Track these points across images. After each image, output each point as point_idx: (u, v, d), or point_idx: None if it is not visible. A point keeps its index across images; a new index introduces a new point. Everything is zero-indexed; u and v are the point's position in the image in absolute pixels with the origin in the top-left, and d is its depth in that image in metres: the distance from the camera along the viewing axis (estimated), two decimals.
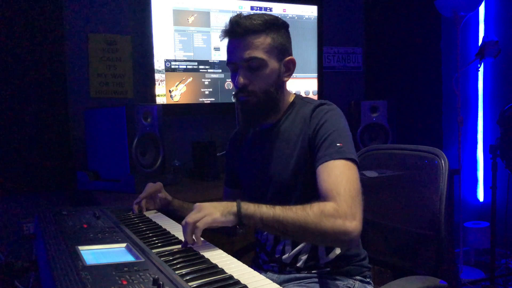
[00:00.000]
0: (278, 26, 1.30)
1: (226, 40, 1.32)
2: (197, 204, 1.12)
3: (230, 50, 1.30)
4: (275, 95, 1.30)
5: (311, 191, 1.26)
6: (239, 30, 1.26)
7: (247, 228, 1.15)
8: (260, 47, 1.26)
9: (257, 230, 1.42)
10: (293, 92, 1.43)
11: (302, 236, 1.14)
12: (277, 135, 1.34)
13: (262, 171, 1.35)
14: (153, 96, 2.44)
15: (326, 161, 1.18)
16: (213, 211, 1.08)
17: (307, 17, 2.86)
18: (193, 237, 1.07)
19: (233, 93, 1.34)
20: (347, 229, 1.08)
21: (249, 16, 1.28)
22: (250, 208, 1.10)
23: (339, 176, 1.14)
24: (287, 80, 1.35)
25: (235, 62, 1.29)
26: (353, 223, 1.08)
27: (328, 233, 1.08)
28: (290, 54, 1.35)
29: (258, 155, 1.38)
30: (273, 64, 1.29)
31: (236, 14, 1.30)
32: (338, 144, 1.20)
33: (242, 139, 1.48)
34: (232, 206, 1.10)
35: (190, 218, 1.07)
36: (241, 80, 1.28)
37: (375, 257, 1.52)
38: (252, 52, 1.26)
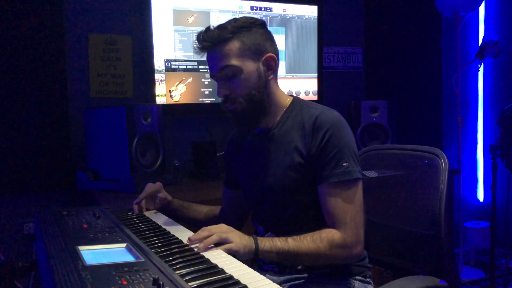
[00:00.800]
0: (248, 26, 1.27)
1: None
2: (228, 226, 1.16)
3: (208, 64, 1.31)
4: (260, 97, 1.28)
5: (309, 197, 1.26)
6: (205, 44, 1.26)
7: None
8: (230, 54, 1.25)
9: (257, 231, 1.42)
10: (293, 92, 1.43)
11: (314, 264, 1.27)
12: (275, 140, 1.33)
13: (260, 177, 1.34)
14: (153, 96, 2.44)
15: (333, 182, 1.21)
16: (238, 244, 1.11)
17: (307, 17, 2.86)
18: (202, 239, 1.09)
19: (220, 104, 1.33)
20: (353, 255, 1.22)
21: (216, 27, 1.27)
22: (266, 245, 1.16)
23: (346, 203, 1.21)
24: (271, 78, 1.31)
25: (214, 74, 1.30)
26: (358, 249, 1.21)
27: (337, 260, 1.22)
28: (270, 51, 1.30)
29: (256, 159, 1.37)
30: (248, 66, 1.26)
31: (203, 29, 1.28)
32: (344, 164, 1.21)
33: (240, 141, 1.48)
34: (251, 244, 1.14)
35: (218, 233, 1.10)
36: (220, 91, 1.28)
37: (375, 257, 1.52)
38: (223, 61, 1.25)
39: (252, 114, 1.29)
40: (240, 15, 1.31)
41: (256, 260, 1.40)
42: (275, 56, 1.30)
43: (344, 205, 1.20)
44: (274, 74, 1.32)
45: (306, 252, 1.17)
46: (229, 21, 1.28)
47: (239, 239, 1.12)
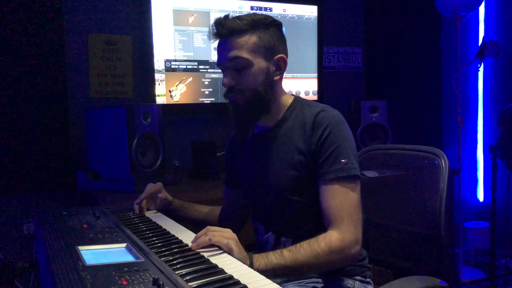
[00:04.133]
0: (266, 24, 1.28)
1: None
2: (232, 234, 1.10)
3: (217, 51, 1.31)
4: (264, 95, 1.29)
5: (310, 196, 1.26)
6: (223, 31, 1.25)
7: None
8: (244, 46, 1.25)
9: (257, 230, 1.42)
10: (293, 92, 1.43)
11: (314, 271, 1.24)
12: (276, 139, 1.33)
13: (261, 176, 1.34)
14: (153, 96, 2.43)
15: (331, 178, 1.20)
16: (236, 251, 1.06)
17: (307, 17, 2.86)
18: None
19: (223, 94, 1.33)
20: (352, 256, 1.19)
21: (235, 17, 1.27)
22: (261, 264, 1.10)
23: (343, 200, 1.19)
24: (278, 78, 1.32)
25: (222, 63, 1.29)
26: (356, 248, 1.18)
27: (337, 263, 1.20)
28: (281, 53, 1.32)
29: (257, 159, 1.37)
30: (259, 63, 1.27)
31: (222, 16, 1.28)
32: (342, 160, 1.20)
33: (241, 141, 1.47)
34: (246, 259, 1.08)
35: (220, 236, 1.06)
36: (226, 80, 1.28)
37: (375, 257, 1.52)
38: (236, 52, 1.25)
39: (252, 110, 1.29)
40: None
41: None
42: (286, 58, 1.32)
43: (341, 202, 1.19)
44: (282, 75, 1.34)
45: (304, 261, 1.13)
46: (249, 15, 1.28)
47: (239, 250, 1.08)
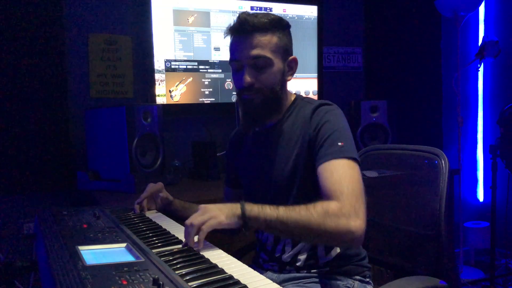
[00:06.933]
0: (283, 26, 1.31)
1: (228, 39, 1.32)
2: (202, 205, 1.11)
3: (235, 47, 1.29)
4: (279, 94, 1.31)
5: (311, 191, 1.25)
6: (247, 27, 1.25)
7: (251, 230, 1.14)
8: (267, 46, 1.26)
9: (258, 230, 1.42)
10: (294, 92, 1.44)
11: (306, 236, 1.14)
12: (278, 136, 1.34)
13: (262, 172, 1.35)
14: (153, 96, 2.44)
15: (328, 160, 1.18)
16: (218, 214, 1.07)
17: (307, 17, 2.86)
18: (195, 239, 1.06)
19: (236, 91, 1.33)
20: (350, 229, 1.07)
21: (255, 14, 1.28)
22: (254, 210, 1.09)
23: (342, 175, 1.14)
24: (290, 79, 1.36)
25: (240, 60, 1.28)
26: (357, 222, 1.08)
27: (332, 232, 1.08)
28: (292, 54, 1.36)
29: (259, 155, 1.38)
30: (278, 63, 1.29)
31: (243, 11, 1.29)
32: (339, 144, 1.20)
33: (242, 139, 1.48)
34: (236, 208, 1.09)
35: (195, 220, 1.06)
36: (247, 79, 1.26)
37: (375, 257, 1.52)
38: (259, 50, 1.25)
39: (267, 108, 1.30)
40: None
41: (257, 257, 1.40)
42: (297, 60, 1.35)
43: (340, 177, 1.14)
44: (293, 75, 1.36)
45: (296, 220, 1.08)
46: (265, 14, 1.29)
47: (218, 210, 1.07)
